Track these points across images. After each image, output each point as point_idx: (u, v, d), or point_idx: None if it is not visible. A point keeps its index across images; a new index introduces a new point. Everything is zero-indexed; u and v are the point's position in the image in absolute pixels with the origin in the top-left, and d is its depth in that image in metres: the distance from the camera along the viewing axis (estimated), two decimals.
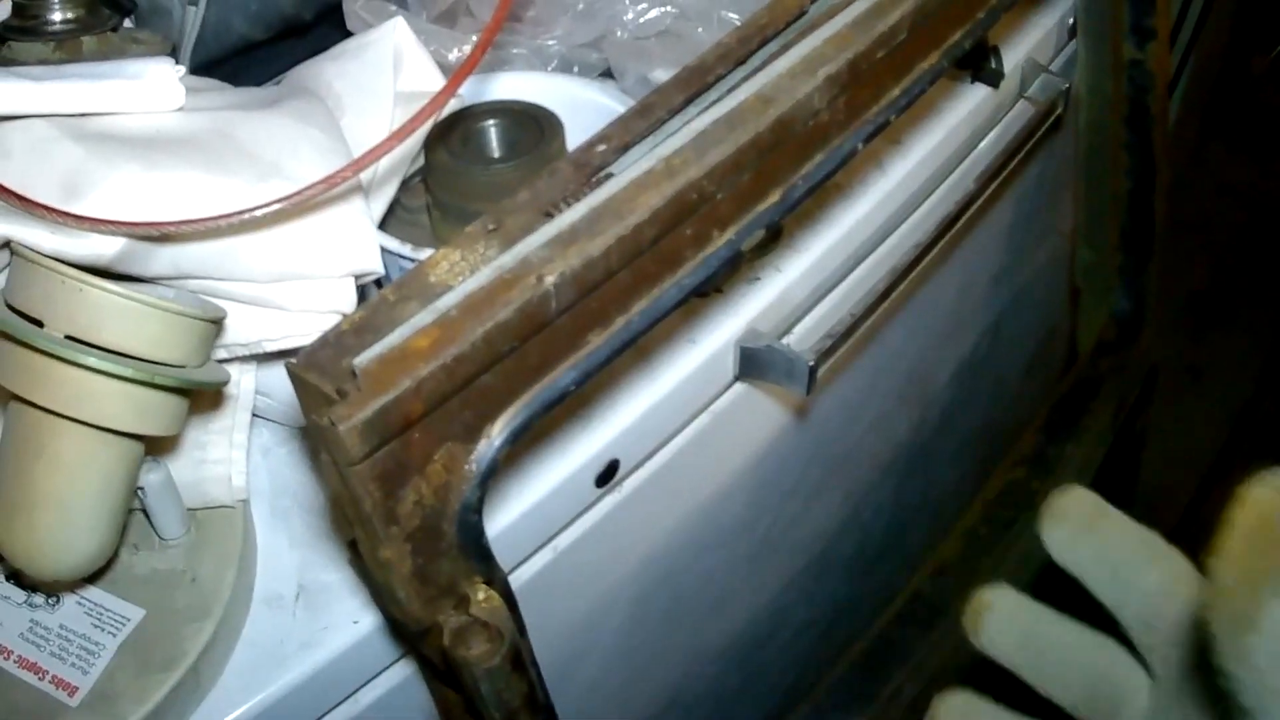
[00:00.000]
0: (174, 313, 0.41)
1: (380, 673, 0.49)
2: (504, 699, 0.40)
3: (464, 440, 0.38)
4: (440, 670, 0.44)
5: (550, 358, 0.39)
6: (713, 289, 0.54)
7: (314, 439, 0.36)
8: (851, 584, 0.80)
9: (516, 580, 0.52)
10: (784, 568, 0.71)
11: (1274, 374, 1.35)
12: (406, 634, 0.45)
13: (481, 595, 0.41)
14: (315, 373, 0.35)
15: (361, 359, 0.36)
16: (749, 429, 0.60)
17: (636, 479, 0.54)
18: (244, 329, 0.46)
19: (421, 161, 0.54)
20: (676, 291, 0.41)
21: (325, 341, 0.36)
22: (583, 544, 0.53)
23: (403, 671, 0.49)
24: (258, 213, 0.42)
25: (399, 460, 0.36)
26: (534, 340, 0.38)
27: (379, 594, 0.41)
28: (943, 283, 0.71)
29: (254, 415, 0.51)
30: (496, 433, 0.38)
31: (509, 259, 0.38)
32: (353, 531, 0.38)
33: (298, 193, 0.42)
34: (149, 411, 0.41)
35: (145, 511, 0.46)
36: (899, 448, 0.77)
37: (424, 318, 0.37)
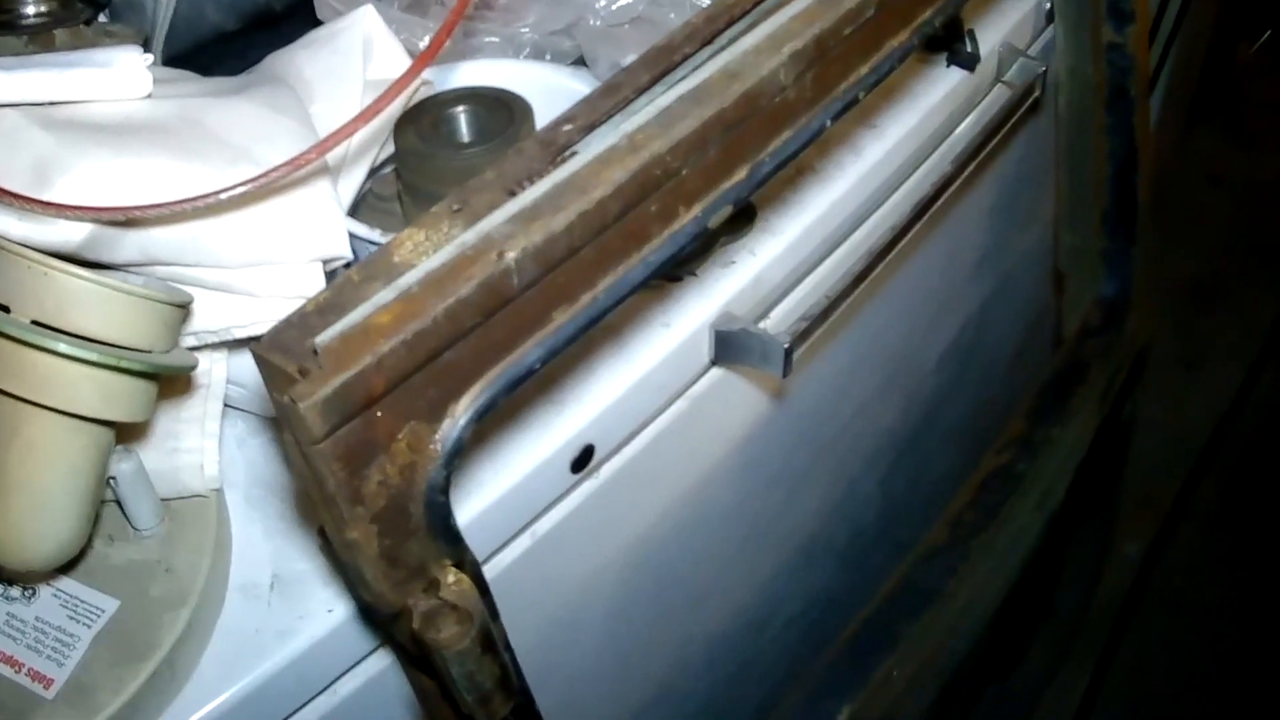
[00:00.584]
0: (140, 297, 0.40)
1: (358, 663, 0.49)
2: (476, 682, 0.40)
3: (429, 419, 0.38)
4: (414, 655, 0.44)
5: (516, 335, 0.39)
6: (687, 273, 0.54)
7: (280, 422, 0.36)
8: (843, 574, 0.80)
9: (495, 566, 0.51)
10: (773, 557, 0.71)
11: (1264, 362, 1.34)
12: (378, 618, 0.44)
13: (451, 578, 0.40)
14: (279, 353, 0.35)
15: (323, 337, 0.36)
16: (729, 414, 0.60)
17: (614, 465, 0.53)
18: (213, 316, 0.46)
19: (392, 149, 0.54)
20: (643, 269, 0.41)
21: (289, 322, 0.36)
22: (562, 530, 0.53)
23: (380, 662, 0.49)
24: (223, 196, 0.42)
25: (362, 439, 0.36)
26: (498, 317, 0.38)
27: (349, 578, 0.41)
28: (924, 268, 0.71)
29: (227, 406, 0.51)
30: (461, 411, 0.38)
31: (471, 236, 0.38)
32: (321, 516, 0.38)
33: (263, 175, 0.42)
34: (117, 397, 0.41)
35: (118, 501, 0.46)
36: (886, 435, 0.77)
37: (386, 295, 0.36)
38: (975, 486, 0.72)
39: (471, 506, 0.48)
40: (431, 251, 0.38)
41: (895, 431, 0.78)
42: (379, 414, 0.36)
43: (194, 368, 0.43)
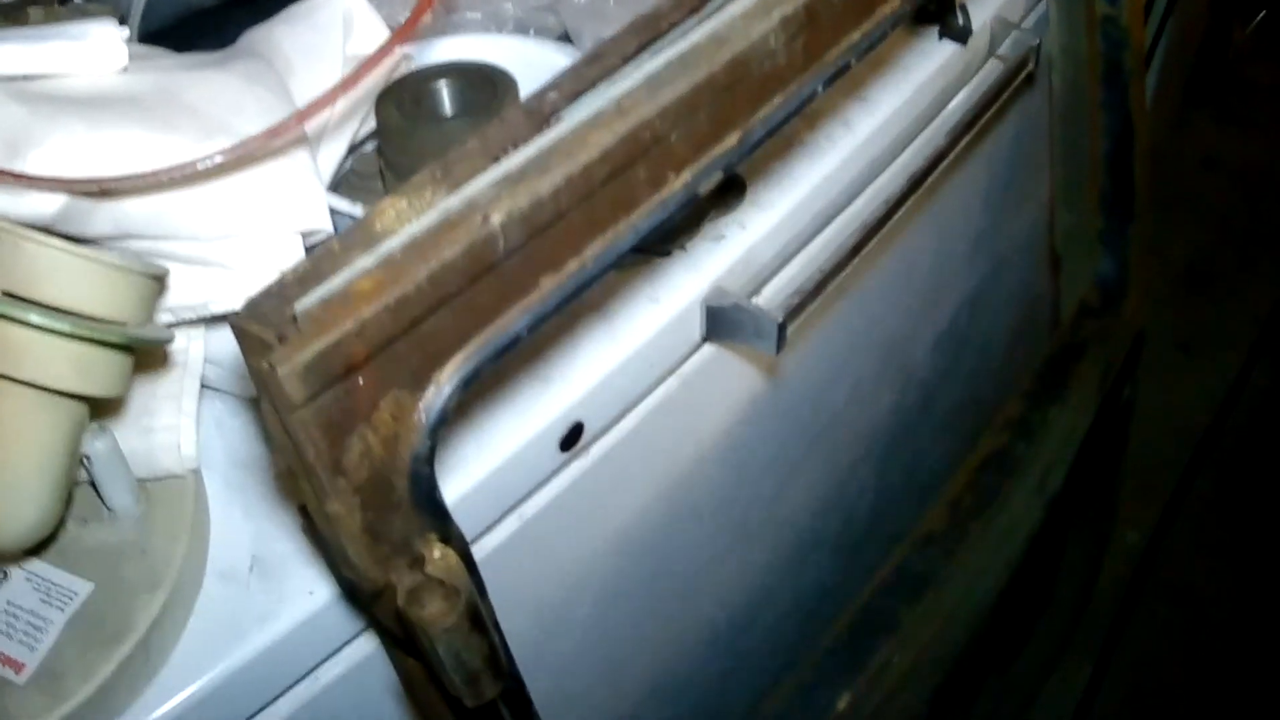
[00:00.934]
0: (114, 267, 0.39)
1: (340, 649, 0.47)
2: (463, 661, 0.39)
3: (413, 388, 0.37)
4: (398, 637, 0.43)
5: (501, 302, 0.38)
6: (676, 247, 0.53)
7: (258, 391, 0.34)
8: (838, 566, 0.78)
9: (482, 549, 0.50)
10: (767, 547, 0.70)
11: (1265, 346, 1.33)
12: (360, 598, 0.43)
13: (437, 553, 0.39)
14: (257, 322, 0.34)
15: (303, 304, 0.35)
16: (721, 394, 0.59)
17: (604, 445, 0.52)
18: (190, 291, 0.44)
19: (373, 125, 0.52)
20: (633, 235, 0.40)
21: (268, 292, 0.35)
22: (551, 512, 0.52)
23: (363, 649, 0.48)
24: (199, 166, 0.41)
25: (343, 407, 0.35)
26: (483, 283, 0.37)
27: (330, 555, 0.39)
28: (918, 249, 0.70)
29: (207, 387, 0.50)
30: (446, 380, 0.37)
31: (455, 201, 0.37)
32: (302, 494, 0.37)
33: (240, 144, 0.41)
34: (91, 370, 0.40)
35: (93, 481, 0.45)
36: (881, 423, 0.76)
37: (367, 261, 0.35)
38: (973, 469, 0.71)
39: (457, 485, 0.46)
40: (414, 218, 0.37)
41: (890, 418, 0.77)
42: (360, 381, 0.35)
43: (170, 341, 0.42)
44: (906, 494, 0.82)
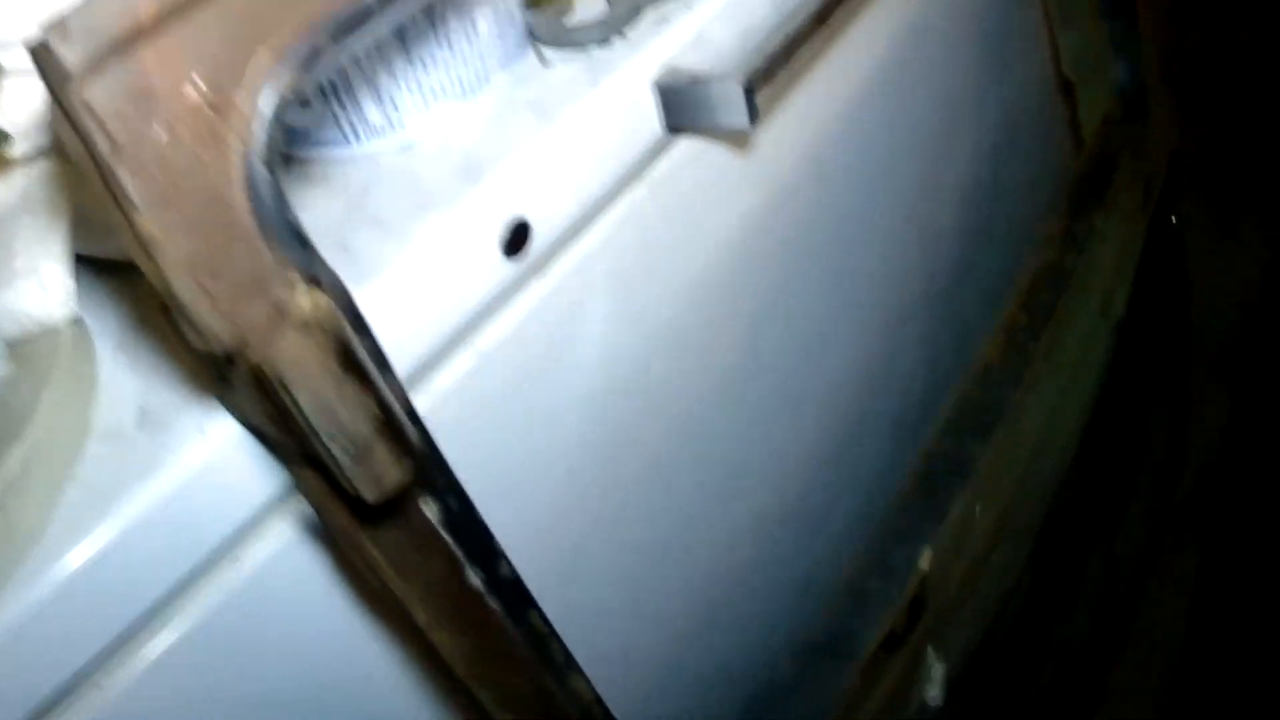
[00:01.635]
0: None
1: (262, 519, 0.39)
2: (342, 422, 0.30)
3: (230, 65, 0.30)
4: (286, 444, 0.34)
5: None
6: (613, 35, 0.46)
7: (44, 84, 0.28)
8: (896, 457, 0.66)
9: (432, 392, 0.42)
10: (806, 431, 0.59)
11: None
12: (215, 377, 0.35)
13: (304, 301, 0.31)
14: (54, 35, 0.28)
15: None
16: (704, 211, 0.50)
17: (567, 261, 0.44)
18: (29, 102, 0.39)
19: None
20: None
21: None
22: (513, 346, 0.43)
23: (294, 527, 0.39)
24: None
25: (137, 83, 0.28)
26: None
27: (171, 318, 0.31)
28: (923, 103, 0.62)
29: (94, 259, 0.44)
30: (278, 51, 0.30)
31: None
32: (113, 222, 0.30)
33: None
34: None
35: None
36: (916, 296, 0.66)
37: None
38: (1024, 289, 0.60)
39: (375, 287, 0.38)
40: None
41: (927, 293, 0.66)
42: (155, 47, 0.28)
43: (8, 140, 0.36)
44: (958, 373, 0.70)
